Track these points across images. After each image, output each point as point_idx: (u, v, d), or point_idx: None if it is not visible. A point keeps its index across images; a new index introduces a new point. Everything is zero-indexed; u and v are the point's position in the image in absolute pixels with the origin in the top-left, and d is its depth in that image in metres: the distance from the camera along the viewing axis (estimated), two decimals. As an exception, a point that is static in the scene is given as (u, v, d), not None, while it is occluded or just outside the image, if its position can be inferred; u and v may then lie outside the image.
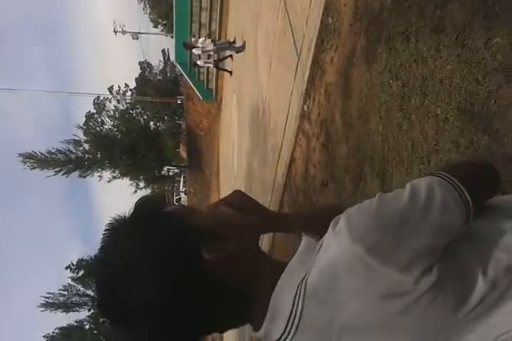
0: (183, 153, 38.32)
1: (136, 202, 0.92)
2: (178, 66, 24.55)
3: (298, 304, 0.80)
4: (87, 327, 37.42)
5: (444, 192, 0.82)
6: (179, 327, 0.86)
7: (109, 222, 0.90)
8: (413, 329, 0.78)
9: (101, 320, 34.51)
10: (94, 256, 0.90)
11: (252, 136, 11.74)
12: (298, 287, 0.81)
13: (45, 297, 39.84)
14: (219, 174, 22.77)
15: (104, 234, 0.89)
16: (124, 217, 0.89)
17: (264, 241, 8.21)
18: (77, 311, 39.62)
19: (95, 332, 35.76)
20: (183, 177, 43.81)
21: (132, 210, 0.90)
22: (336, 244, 0.79)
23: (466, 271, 0.81)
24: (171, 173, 48.46)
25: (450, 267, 0.79)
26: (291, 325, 0.82)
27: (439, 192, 0.82)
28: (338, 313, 0.77)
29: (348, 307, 0.77)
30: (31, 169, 42.21)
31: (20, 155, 41.44)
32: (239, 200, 1.03)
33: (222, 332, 0.96)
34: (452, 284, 0.78)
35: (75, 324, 37.42)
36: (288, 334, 0.82)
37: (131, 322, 0.85)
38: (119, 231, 0.88)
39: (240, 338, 12.34)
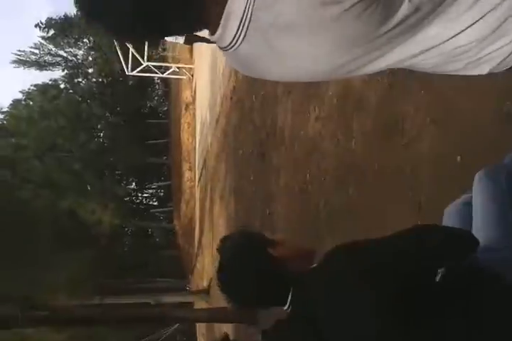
0: None
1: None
2: None
3: (248, 10, 0.92)
4: (62, 86, 38.09)
5: None
6: None
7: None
8: (340, 35, 0.92)
9: (75, 80, 35.13)
10: None
11: None
12: None
13: (16, 54, 39.34)
14: None
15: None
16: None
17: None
18: (51, 70, 39.79)
19: (70, 91, 36.56)
20: None
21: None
22: None
23: None
24: None
25: None
26: (242, 28, 0.94)
27: None
28: (278, 17, 0.90)
29: (287, 12, 0.90)
30: None
31: None
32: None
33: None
34: (382, 2, 0.91)
35: (50, 82, 37.95)
36: (239, 36, 0.95)
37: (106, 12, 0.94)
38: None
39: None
